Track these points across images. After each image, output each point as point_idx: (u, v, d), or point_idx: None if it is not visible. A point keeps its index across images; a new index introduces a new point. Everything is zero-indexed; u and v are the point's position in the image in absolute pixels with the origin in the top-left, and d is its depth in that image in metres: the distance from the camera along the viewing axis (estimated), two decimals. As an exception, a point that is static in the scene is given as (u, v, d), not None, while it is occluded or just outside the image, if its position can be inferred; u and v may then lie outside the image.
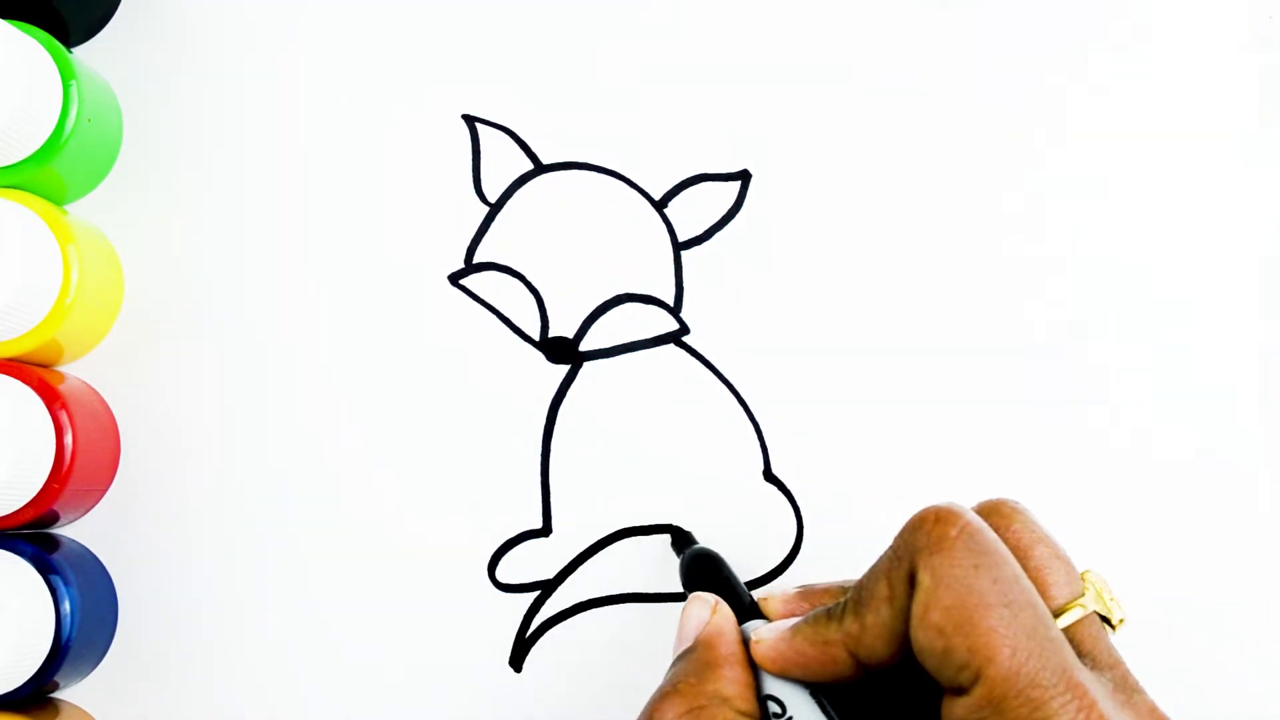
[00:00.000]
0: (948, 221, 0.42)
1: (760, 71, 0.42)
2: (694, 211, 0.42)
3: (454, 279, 0.42)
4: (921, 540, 0.27)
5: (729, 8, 0.43)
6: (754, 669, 0.30)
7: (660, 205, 0.42)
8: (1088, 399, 0.41)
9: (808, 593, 0.32)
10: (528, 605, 0.40)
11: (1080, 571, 0.29)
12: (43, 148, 0.38)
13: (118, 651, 0.40)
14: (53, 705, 0.39)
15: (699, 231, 0.42)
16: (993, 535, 0.27)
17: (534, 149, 0.42)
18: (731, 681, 0.29)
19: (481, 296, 0.41)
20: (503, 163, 0.42)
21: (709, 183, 0.42)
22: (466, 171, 0.42)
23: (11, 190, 0.38)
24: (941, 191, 0.42)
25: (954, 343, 0.41)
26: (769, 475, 0.41)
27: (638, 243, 0.42)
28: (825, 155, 0.42)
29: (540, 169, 0.42)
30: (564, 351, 0.41)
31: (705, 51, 0.42)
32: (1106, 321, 0.41)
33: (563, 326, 0.41)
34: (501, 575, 0.40)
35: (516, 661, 0.40)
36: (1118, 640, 0.28)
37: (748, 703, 0.29)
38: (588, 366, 0.41)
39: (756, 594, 0.32)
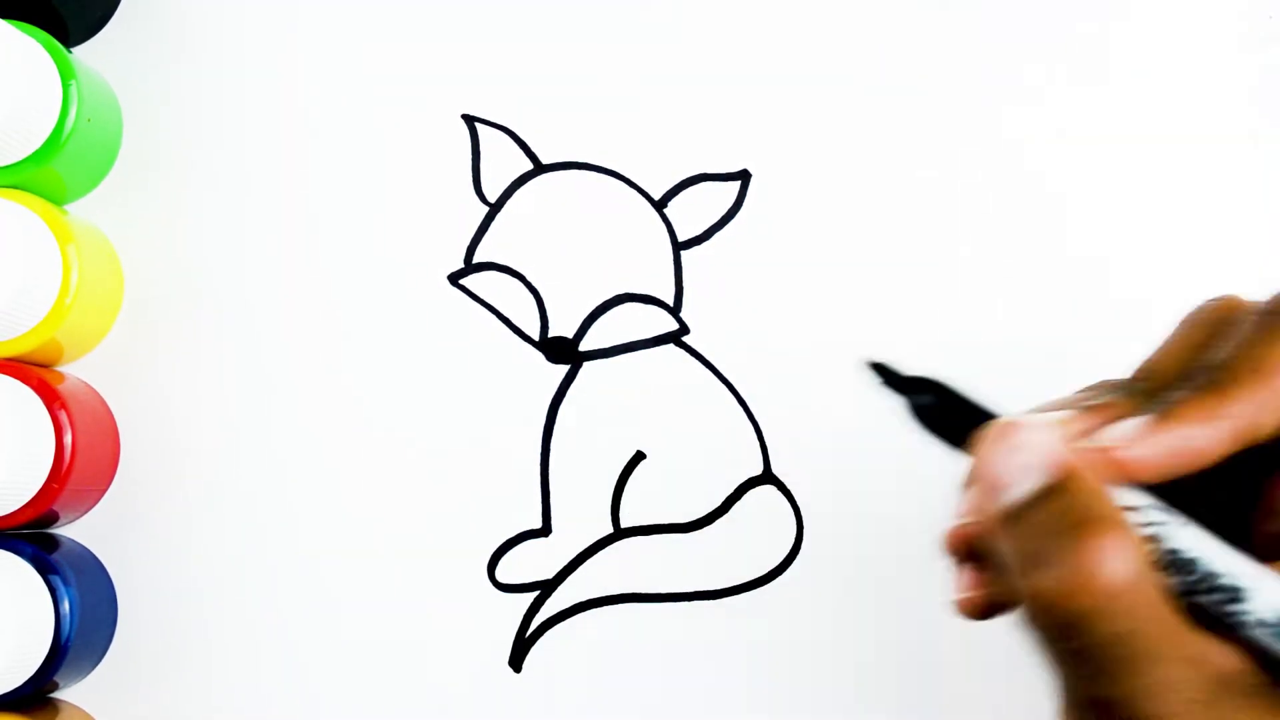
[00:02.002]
0: (948, 222, 0.42)
1: (760, 71, 0.42)
2: (694, 211, 0.42)
3: (454, 279, 0.42)
4: None
5: (729, 8, 0.43)
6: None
7: (660, 205, 0.42)
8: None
9: (1085, 402, 0.26)
10: (527, 605, 0.40)
11: None
12: (42, 147, 0.38)
13: (117, 651, 0.40)
14: (52, 705, 0.39)
15: (699, 231, 0.42)
16: None
17: (534, 149, 0.42)
18: (1121, 508, 0.23)
19: (481, 296, 0.41)
20: (502, 162, 0.42)
21: (709, 182, 0.42)
22: (466, 171, 0.42)
23: (11, 190, 0.38)
24: (941, 192, 0.42)
25: (954, 343, 0.41)
26: (769, 475, 0.41)
27: (637, 242, 0.42)
28: (825, 155, 0.42)
29: (540, 169, 0.42)
30: (564, 351, 0.41)
31: (705, 52, 0.42)
32: (1107, 323, 0.41)
33: (562, 326, 0.41)
34: (501, 575, 0.40)
35: (516, 661, 0.40)
36: None
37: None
38: (587, 366, 0.41)
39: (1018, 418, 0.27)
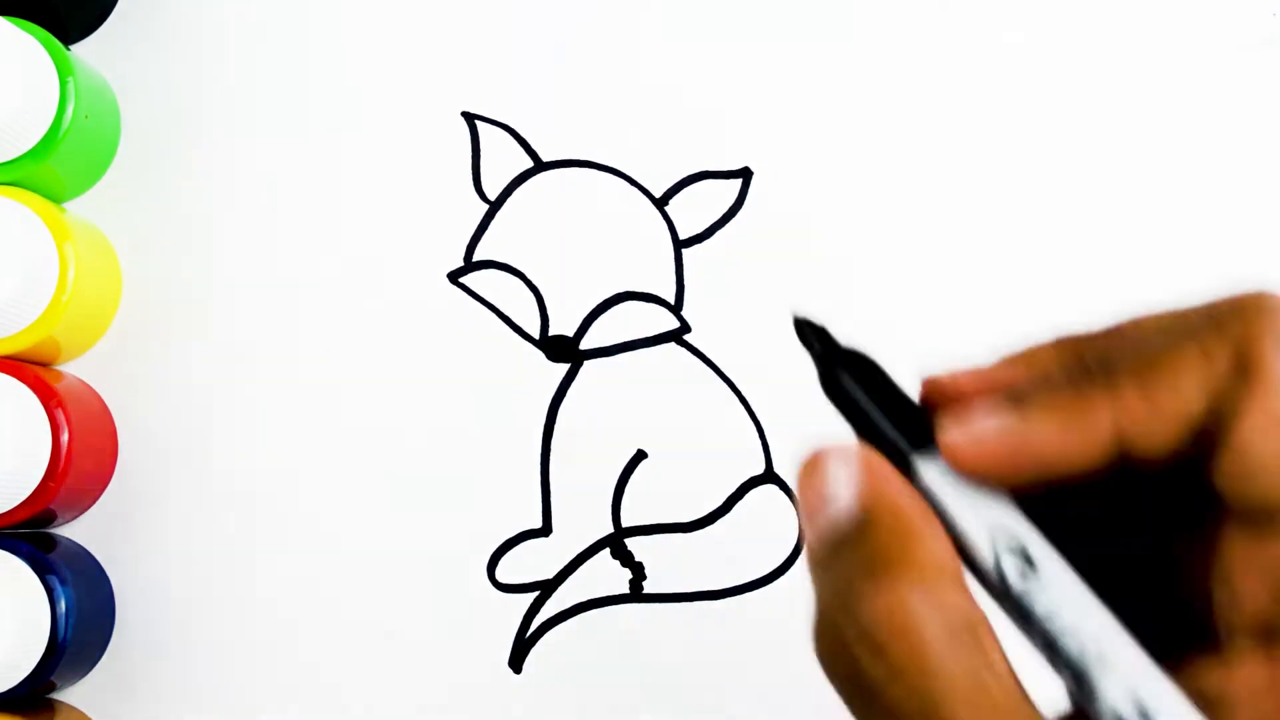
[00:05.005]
0: (948, 221, 0.42)
1: (761, 70, 0.42)
2: (695, 209, 0.42)
3: (454, 277, 0.41)
4: (1267, 322, 0.20)
5: (729, 7, 0.42)
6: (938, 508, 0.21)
7: (661, 203, 0.42)
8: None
9: (993, 378, 0.22)
10: (527, 605, 0.40)
11: None
12: (40, 144, 0.38)
13: (115, 652, 0.40)
14: (50, 706, 0.38)
15: (700, 229, 0.42)
16: None
17: (534, 146, 0.42)
18: (935, 538, 0.20)
19: (481, 295, 0.41)
20: (503, 160, 0.42)
21: (710, 180, 0.42)
22: (466, 169, 0.42)
23: (8, 187, 0.38)
24: (942, 191, 0.42)
25: (955, 343, 0.41)
26: (771, 474, 0.40)
27: (638, 240, 0.41)
28: (827, 153, 0.42)
29: (540, 166, 0.42)
30: (564, 350, 0.41)
31: (706, 49, 0.42)
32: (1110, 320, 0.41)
33: (563, 325, 0.41)
34: (501, 575, 0.40)
35: (516, 661, 0.40)
36: None
37: (959, 567, 0.20)
38: (588, 365, 0.41)
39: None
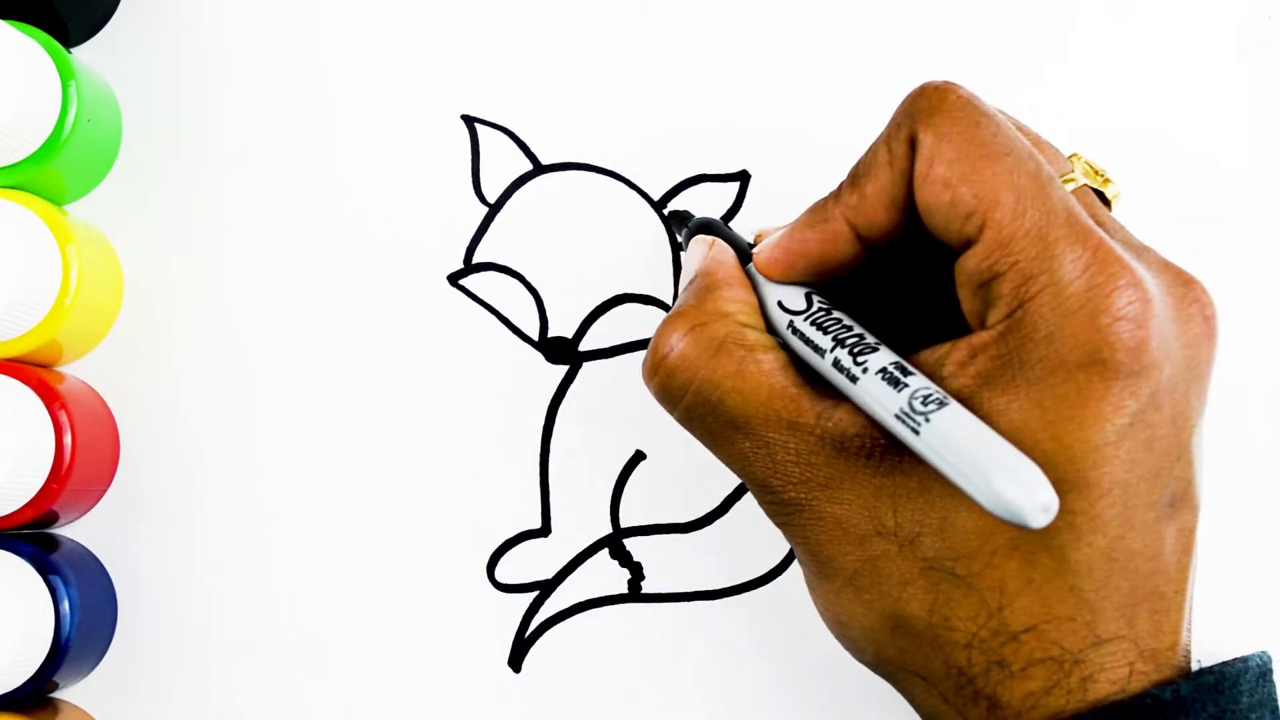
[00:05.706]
0: (947, 222, 0.42)
1: (760, 71, 0.42)
2: (693, 212, 0.42)
3: (453, 279, 0.42)
4: (922, 104, 0.26)
5: (730, 7, 0.43)
6: (759, 297, 0.30)
7: (659, 205, 0.42)
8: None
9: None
10: (527, 605, 0.40)
11: (1068, 155, 0.29)
12: (42, 148, 0.38)
13: (117, 651, 0.40)
14: (52, 705, 0.39)
15: (698, 232, 0.42)
16: (991, 104, 0.27)
17: (533, 149, 0.42)
18: (731, 300, 0.30)
19: (481, 297, 0.41)
20: (502, 163, 0.42)
21: (708, 183, 0.42)
22: (466, 172, 0.42)
23: (11, 190, 0.38)
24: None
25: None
26: (768, 475, 0.41)
27: (637, 243, 0.42)
28: (825, 156, 0.42)
29: (539, 169, 0.42)
30: (563, 352, 0.41)
31: (705, 51, 0.42)
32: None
33: (562, 327, 0.41)
34: (500, 575, 0.40)
35: (515, 661, 0.40)
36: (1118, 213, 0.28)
37: (749, 316, 0.29)
38: (587, 367, 0.41)
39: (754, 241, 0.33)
